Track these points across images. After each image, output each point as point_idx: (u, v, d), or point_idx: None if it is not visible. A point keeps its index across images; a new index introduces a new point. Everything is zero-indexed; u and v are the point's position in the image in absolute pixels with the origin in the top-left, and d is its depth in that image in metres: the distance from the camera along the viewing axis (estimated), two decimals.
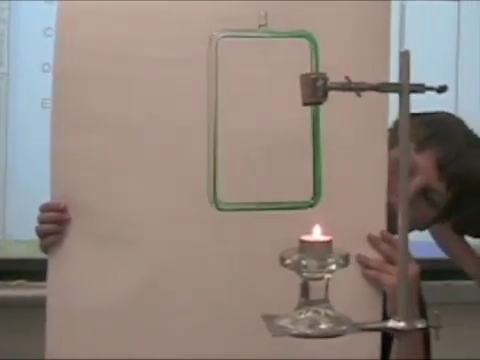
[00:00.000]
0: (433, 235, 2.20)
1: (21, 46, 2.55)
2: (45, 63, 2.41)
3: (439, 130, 1.50)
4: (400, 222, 0.98)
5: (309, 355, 1.28)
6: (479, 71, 2.77)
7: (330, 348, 1.14)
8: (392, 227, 1.32)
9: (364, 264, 1.36)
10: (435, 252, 2.24)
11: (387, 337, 1.22)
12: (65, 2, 1.38)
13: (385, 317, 1.29)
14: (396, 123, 1.27)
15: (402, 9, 2.67)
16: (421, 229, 1.57)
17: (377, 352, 1.35)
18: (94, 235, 1.36)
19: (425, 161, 1.46)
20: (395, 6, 2.45)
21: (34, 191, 2.27)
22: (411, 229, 1.42)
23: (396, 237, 1.07)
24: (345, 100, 1.01)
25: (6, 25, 2.54)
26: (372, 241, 1.37)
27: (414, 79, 0.99)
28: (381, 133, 1.37)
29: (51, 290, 1.39)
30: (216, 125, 1.06)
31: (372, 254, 1.37)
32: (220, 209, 1.09)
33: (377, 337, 1.33)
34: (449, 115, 1.60)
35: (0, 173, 2.57)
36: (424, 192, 1.46)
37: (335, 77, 0.97)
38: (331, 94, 0.97)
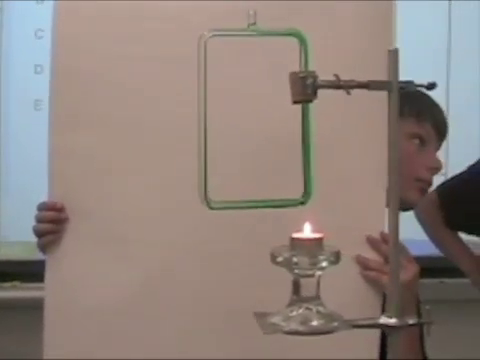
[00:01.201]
0: (428, 233, 2.21)
1: (13, 48, 2.55)
2: (37, 65, 2.41)
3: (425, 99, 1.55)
4: (390, 217, 0.98)
5: (306, 355, 1.28)
6: (470, 68, 2.78)
7: (327, 348, 1.14)
8: None
9: (364, 265, 1.35)
10: (429, 250, 2.25)
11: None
12: (61, 1, 1.39)
13: None
14: None
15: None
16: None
17: (375, 352, 1.35)
18: (90, 234, 1.37)
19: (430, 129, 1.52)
20: None
21: (28, 193, 2.28)
22: None
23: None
24: (340, 98, 1.00)
25: None
26: (371, 243, 1.35)
27: (406, 77, 0.99)
28: (380, 131, 1.34)
29: (49, 289, 1.39)
30: (206, 124, 1.05)
31: (370, 254, 1.35)
32: (211, 208, 1.09)
33: (375, 337, 1.32)
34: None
35: None
36: None
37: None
38: (325, 92, 0.97)
